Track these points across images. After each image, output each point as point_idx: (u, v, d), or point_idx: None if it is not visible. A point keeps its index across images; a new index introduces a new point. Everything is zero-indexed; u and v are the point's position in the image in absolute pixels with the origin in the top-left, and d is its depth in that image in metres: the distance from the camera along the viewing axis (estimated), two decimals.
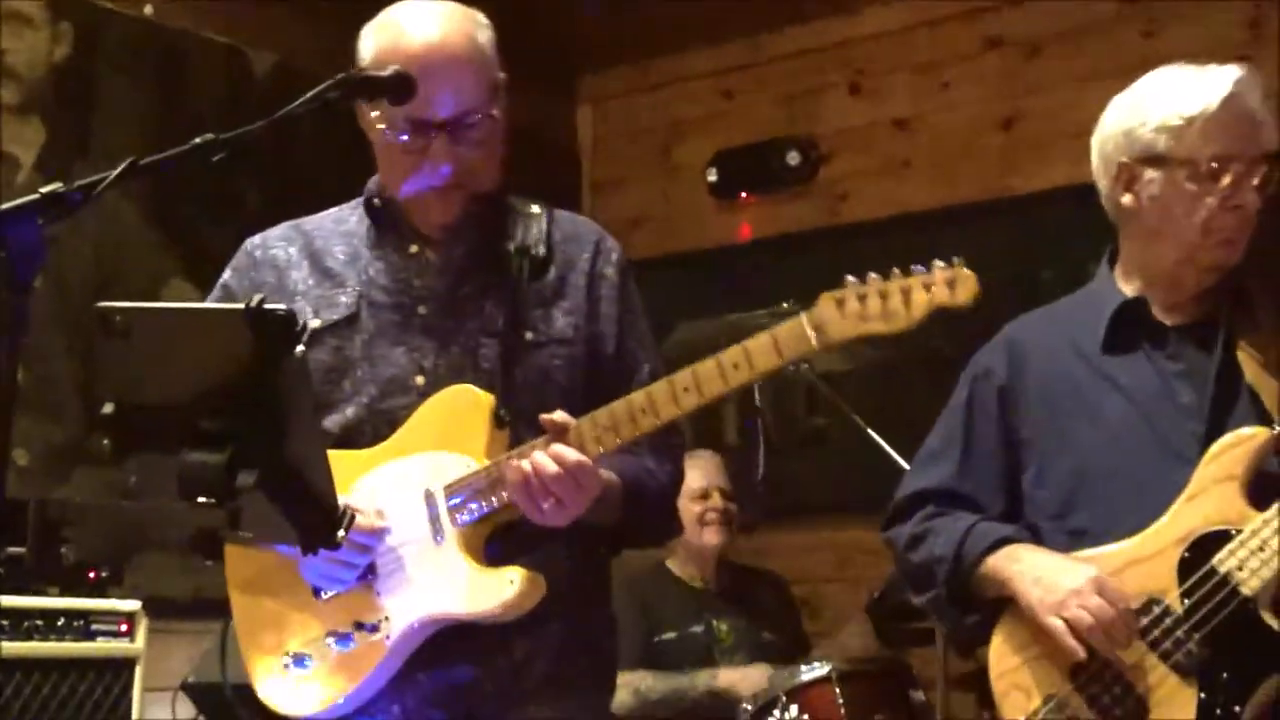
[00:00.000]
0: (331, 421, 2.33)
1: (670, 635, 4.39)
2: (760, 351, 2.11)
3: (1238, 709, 2.25)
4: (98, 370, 1.79)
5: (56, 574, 3.90)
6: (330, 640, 2.28)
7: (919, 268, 2.07)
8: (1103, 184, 2.51)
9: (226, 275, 2.51)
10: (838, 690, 3.58)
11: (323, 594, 2.30)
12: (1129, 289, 2.52)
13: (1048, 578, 2.37)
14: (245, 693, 3.34)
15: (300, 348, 1.71)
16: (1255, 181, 2.39)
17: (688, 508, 4.51)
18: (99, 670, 3.89)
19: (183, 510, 1.72)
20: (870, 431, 3.83)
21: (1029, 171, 5.09)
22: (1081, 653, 2.33)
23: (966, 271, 2.06)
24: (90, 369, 1.81)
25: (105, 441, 1.78)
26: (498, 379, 2.29)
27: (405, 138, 2.31)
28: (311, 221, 2.52)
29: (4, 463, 1.69)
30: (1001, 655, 2.47)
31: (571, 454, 2.14)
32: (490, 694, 2.29)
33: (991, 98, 5.24)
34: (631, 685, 4.25)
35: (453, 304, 2.37)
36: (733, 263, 5.52)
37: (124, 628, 3.94)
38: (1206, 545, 2.31)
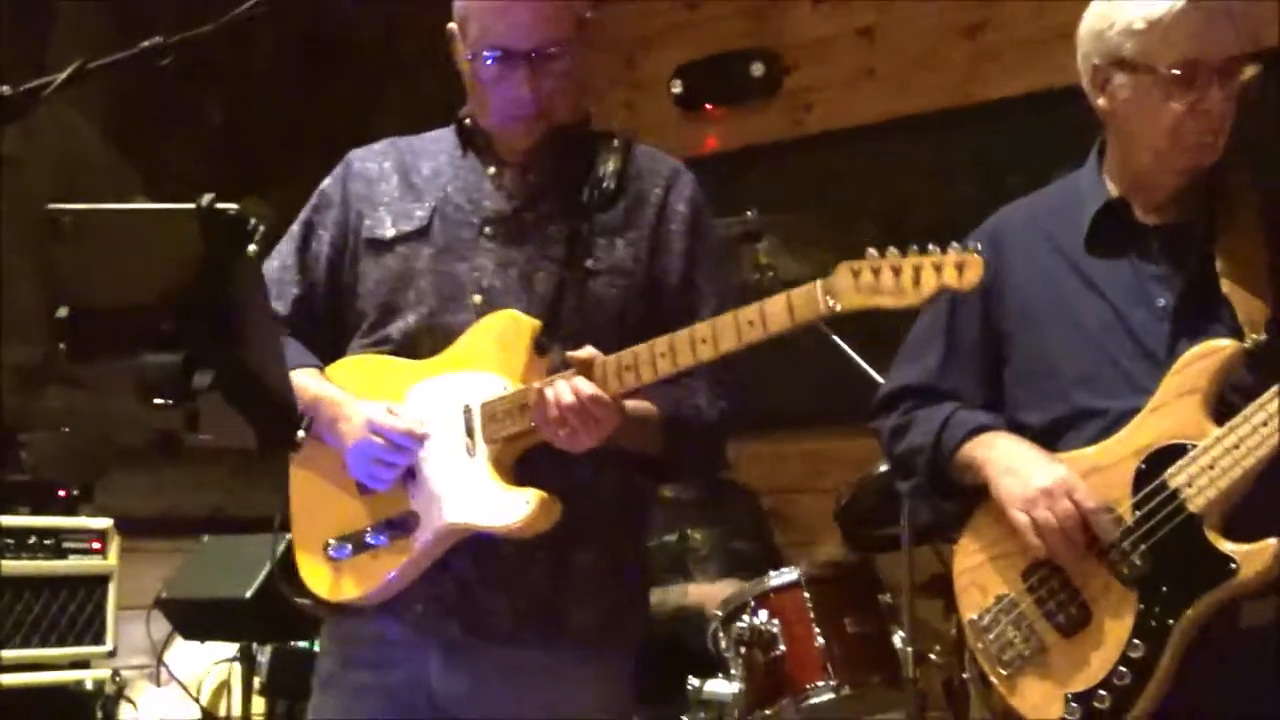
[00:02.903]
0: (394, 327, 2.44)
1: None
2: (775, 312, 2.19)
3: (1172, 622, 2.27)
4: (51, 274, 1.77)
5: (26, 493, 3.92)
6: (367, 534, 2.40)
7: (934, 247, 2.15)
8: (1084, 84, 2.49)
9: (325, 182, 2.61)
10: (807, 595, 3.59)
11: (366, 489, 2.41)
12: (1114, 188, 2.50)
13: (1022, 470, 2.38)
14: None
15: (252, 247, 1.70)
16: (1222, 87, 2.35)
17: None
18: (72, 588, 3.93)
19: (142, 414, 1.72)
20: (837, 339, 3.84)
21: (993, 79, 5.07)
22: (1041, 551, 2.35)
23: (976, 257, 2.13)
24: (43, 272, 1.79)
25: (61, 346, 1.78)
26: (549, 303, 2.38)
27: (490, 67, 2.38)
28: (411, 139, 2.61)
29: None
30: (966, 553, 2.50)
31: (587, 388, 2.23)
32: (505, 613, 2.36)
33: (955, 6, 5.21)
34: None
35: (519, 227, 2.45)
36: (699, 174, 5.48)
37: (96, 545, 3.97)
38: (1162, 458, 2.30)
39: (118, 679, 3.90)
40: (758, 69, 5.49)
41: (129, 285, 1.75)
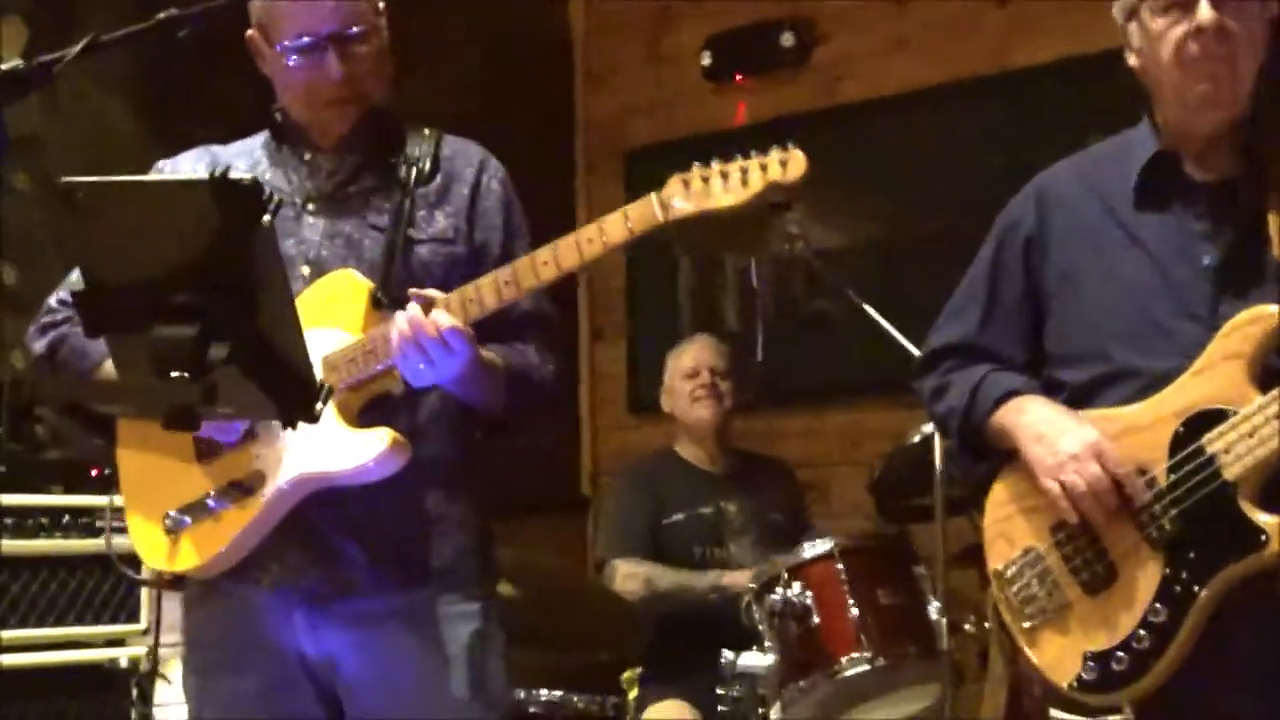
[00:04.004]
0: None
1: (679, 517, 4.45)
2: (613, 226, 2.28)
3: (1196, 589, 2.24)
4: (66, 248, 1.77)
5: (59, 472, 3.92)
6: (209, 500, 2.42)
7: (756, 152, 2.26)
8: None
9: None
10: (840, 566, 3.58)
11: (204, 455, 2.44)
12: (1162, 143, 2.45)
13: (1049, 436, 2.36)
14: None
15: (267, 217, 1.69)
16: (1212, 4, 2.30)
17: (680, 387, 4.63)
18: (105, 566, 3.91)
19: (158, 388, 1.71)
20: (868, 309, 3.80)
21: (1026, 47, 5.00)
22: (1074, 517, 2.34)
23: (798, 153, 2.23)
24: (59, 247, 1.79)
25: (79, 320, 1.78)
26: (378, 268, 2.46)
27: (297, 58, 2.48)
28: (219, 146, 2.70)
29: None
30: (996, 504, 2.49)
31: (445, 318, 2.30)
32: (361, 563, 2.41)
33: None
34: (641, 575, 4.30)
35: (341, 203, 2.56)
36: (729, 147, 5.44)
37: (115, 524, 3.95)
38: (1202, 422, 2.27)
39: (153, 656, 3.89)
40: (788, 39, 5.44)
41: (144, 258, 1.74)
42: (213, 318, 1.71)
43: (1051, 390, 2.48)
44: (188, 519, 2.42)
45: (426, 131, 2.62)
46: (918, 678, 3.61)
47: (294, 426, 1.84)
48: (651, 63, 5.86)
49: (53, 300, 2.59)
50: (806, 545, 3.69)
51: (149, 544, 2.48)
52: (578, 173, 5.90)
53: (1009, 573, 2.43)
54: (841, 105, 5.38)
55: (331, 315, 2.42)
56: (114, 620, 3.92)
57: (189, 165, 2.62)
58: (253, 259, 1.72)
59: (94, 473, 3.96)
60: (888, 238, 4.57)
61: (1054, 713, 2.46)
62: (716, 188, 2.24)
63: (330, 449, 2.36)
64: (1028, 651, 2.42)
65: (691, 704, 4.12)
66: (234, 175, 1.68)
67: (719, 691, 3.72)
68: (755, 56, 5.55)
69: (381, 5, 2.58)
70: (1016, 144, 4.66)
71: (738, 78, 5.59)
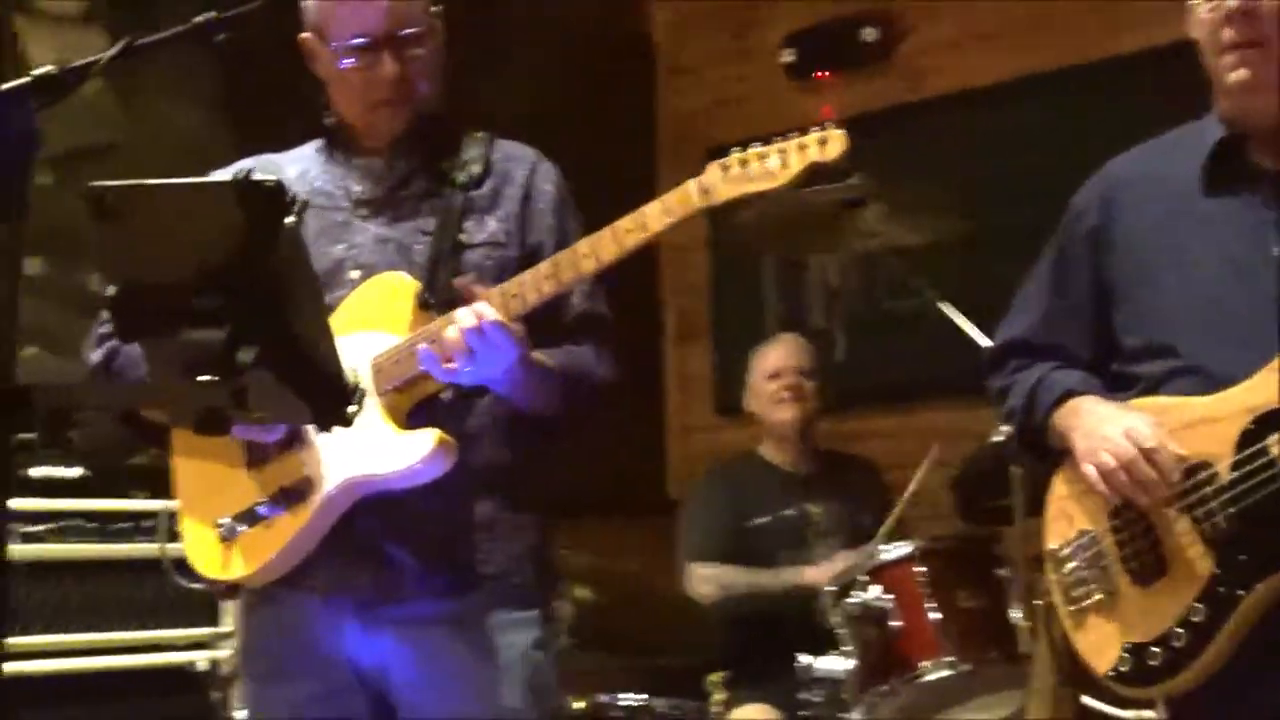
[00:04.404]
0: None
1: (763, 520, 4.39)
2: (652, 215, 2.25)
3: (1241, 593, 2.16)
4: (98, 253, 1.77)
5: (144, 478, 3.96)
6: (260, 507, 2.40)
7: (796, 132, 2.22)
8: None
9: None
10: (919, 569, 3.52)
11: (255, 462, 2.42)
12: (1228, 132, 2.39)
13: (1094, 426, 2.33)
14: None
15: (291, 218, 1.68)
16: None
17: (763, 388, 4.56)
18: (183, 570, 3.94)
19: (189, 392, 1.70)
20: (943, 306, 3.73)
21: (1109, 38, 4.89)
22: (1113, 499, 2.29)
23: (838, 132, 2.21)
24: (95, 252, 1.79)
25: (111, 325, 1.78)
26: (427, 272, 2.44)
27: (351, 59, 2.47)
28: (274, 154, 2.68)
29: (11, 349, 1.69)
30: (1059, 484, 2.45)
31: (490, 313, 2.26)
32: (411, 569, 2.38)
33: None
34: (716, 579, 4.25)
35: (391, 207, 2.53)
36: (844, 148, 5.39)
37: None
38: (1273, 422, 2.18)
39: (235, 659, 3.93)
40: (870, 34, 5.38)
41: (173, 262, 1.72)
42: (241, 321, 1.69)
43: (1123, 385, 2.41)
44: (240, 526, 2.41)
45: (479, 135, 2.60)
46: (1001, 683, 3.53)
47: (328, 430, 1.83)
48: (734, 59, 5.82)
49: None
50: (885, 547, 3.63)
51: (203, 551, 2.47)
52: (659, 170, 5.87)
53: (1063, 552, 2.40)
54: (925, 100, 5.31)
55: (379, 317, 2.41)
56: (196, 624, 3.96)
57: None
58: (279, 261, 1.70)
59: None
60: (973, 233, 4.47)
61: (1086, 699, 2.40)
62: (755, 171, 2.20)
63: (378, 452, 2.33)
64: (1071, 634, 2.38)
65: (776, 707, 4.06)
66: (257, 177, 1.67)
67: (800, 696, 3.67)
68: (837, 52, 5.49)
69: (436, 8, 2.56)
70: (1103, 135, 4.51)
71: (820, 74, 5.52)
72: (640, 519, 5.32)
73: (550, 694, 2.49)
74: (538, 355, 2.38)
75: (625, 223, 2.26)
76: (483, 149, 2.57)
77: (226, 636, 3.97)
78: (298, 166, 2.61)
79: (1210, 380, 2.28)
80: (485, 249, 2.49)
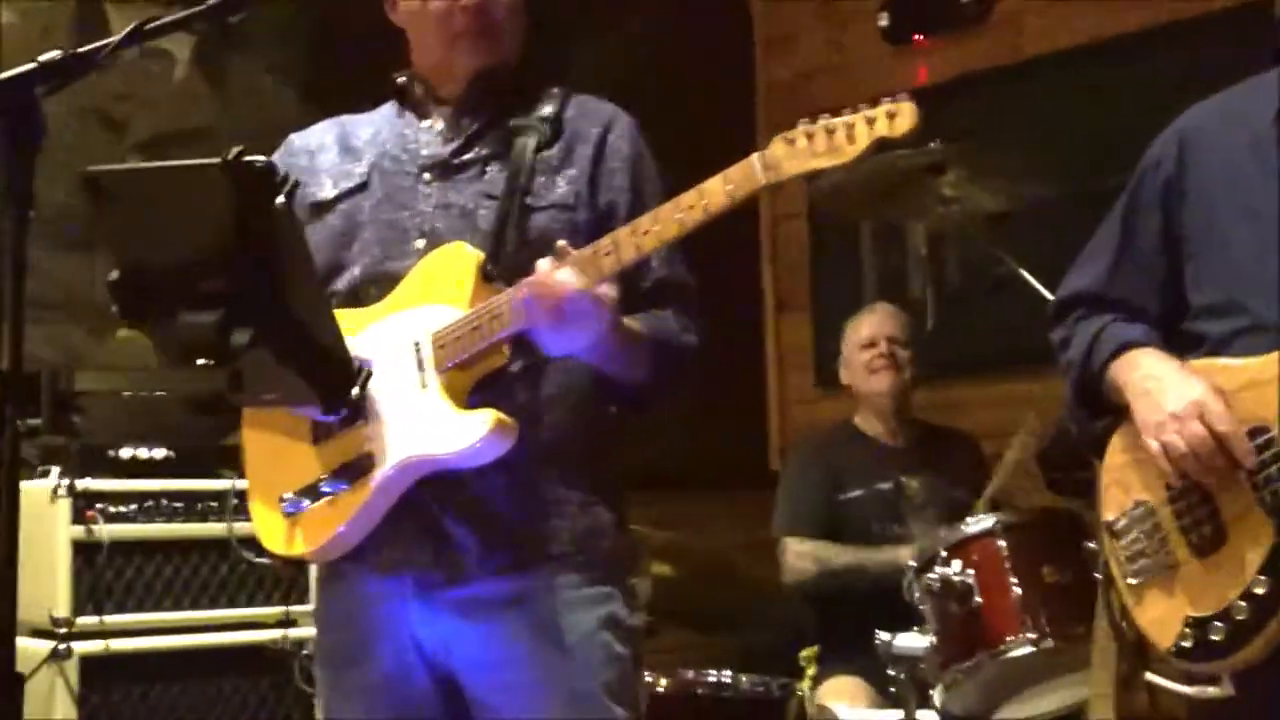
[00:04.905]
0: (341, 282, 2.43)
1: (857, 493, 4.32)
2: (713, 192, 2.15)
3: None
4: (100, 237, 1.77)
5: (232, 457, 4.00)
6: (322, 483, 2.37)
7: (866, 104, 2.11)
8: None
9: None
10: (1002, 543, 3.43)
11: (320, 437, 2.38)
12: None
13: (1154, 392, 2.24)
14: None
15: (281, 199, 1.66)
16: None
17: (857, 358, 4.48)
18: (252, 547, 3.98)
19: (185, 375, 1.70)
20: (1025, 274, 3.62)
21: None
22: (1176, 479, 2.22)
23: (908, 104, 2.08)
24: (96, 236, 1.80)
25: (113, 308, 1.78)
26: (492, 239, 2.36)
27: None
28: (352, 115, 2.64)
29: (20, 335, 1.70)
30: (1114, 452, 2.38)
31: (571, 277, 2.17)
32: (473, 548, 2.32)
33: None
34: (814, 554, 4.19)
35: (458, 169, 2.46)
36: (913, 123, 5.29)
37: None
38: None
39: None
40: None
41: (171, 244, 1.73)
42: (237, 303, 1.68)
43: (1191, 345, 2.32)
44: (304, 502, 2.38)
45: (555, 90, 2.52)
46: (1088, 660, 3.43)
47: (335, 412, 1.82)
48: (831, 26, 5.73)
49: None
50: (969, 520, 3.55)
51: (268, 527, 2.46)
52: (759, 141, 5.78)
53: (1119, 525, 2.33)
54: (1025, 60, 5.16)
55: (440, 290, 2.34)
56: (285, 601, 3.99)
57: (318, 136, 2.60)
58: (273, 241, 1.69)
59: None
60: (1074, 194, 4.35)
61: (1150, 676, 2.31)
62: (821, 145, 2.09)
63: (435, 431, 2.28)
64: (1131, 609, 2.31)
65: (866, 682, 4.00)
66: (247, 157, 1.66)
67: (890, 672, 3.61)
68: (934, 14, 5.37)
69: None
70: (1205, 92, 4.39)
71: (917, 37, 5.41)
72: (741, 492, 5.27)
73: (622, 674, 2.40)
74: (627, 321, 2.31)
75: (688, 198, 2.17)
76: (556, 105, 2.49)
77: (311, 614, 4.01)
78: (371, 128, 2.57)
79: (1271, 343, 2.18)
80: (553, 212, 2.41)
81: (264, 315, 1.70)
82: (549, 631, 2.33)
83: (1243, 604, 2.12)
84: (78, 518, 3.68)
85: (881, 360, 4.42)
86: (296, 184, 1.70)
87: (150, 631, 3.75)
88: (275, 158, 2.56)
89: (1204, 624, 2.17)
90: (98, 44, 1.90)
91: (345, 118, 2.63)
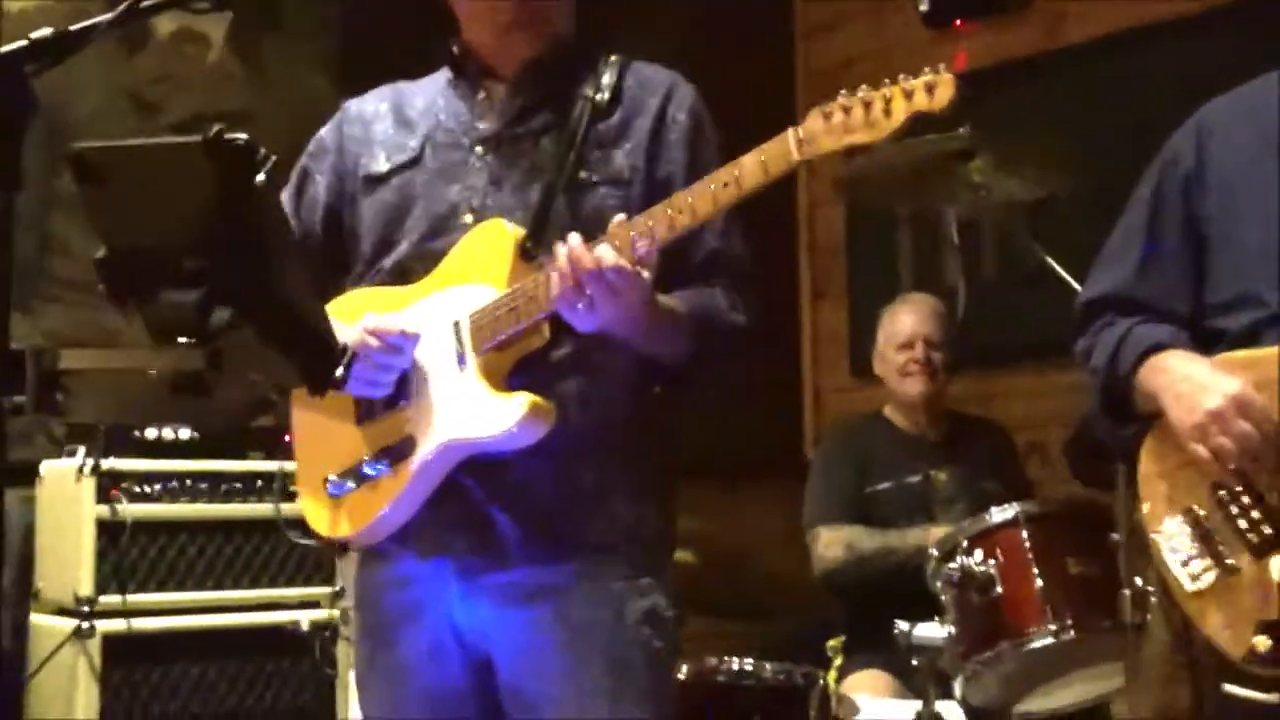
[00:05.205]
0: (388, 259, 2.41)
1: (885, 485, 4.26)
2: (748, 167, 2.10)
3: None
4: (86, 216, 1.76)
5: (260, 439, 4.03)
6: (364, 466, 2.35)
7: (904, 76, 2.06)
8: None
9: (322, 130, 2.60)
10: (1024, 533, 3.38)
11: (363, 418, 2.37)
12: None
13: (1190, 394, 2.19)
14: None
15: (260, 177, 1.65)
16: None
17: (892, 357, 4.39)
18: (304, 528, 4.00)
19: (165, 354, 1.69)
20: (1053, 263, 3.57)
21: None
22: (1234, 481, 2.16)
23: (946, 75, 2.04)
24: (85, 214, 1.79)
25: (101, 287, 1.77)
26: (540, 215, 2.31)
27: None
28: (409, 82, 2.59)
29: (5, 312, 1.70)
30: (1151, 458, 2.32)
31: (610, 254, 2.12)
32: (513, 534, 2.28)
33: None
34: (844, 540, 4.14)
35: (511, 143, 2.41)
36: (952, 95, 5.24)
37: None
38: None
39: (346, 619, 3.98)
40: None
41: (155, 223, 1.71)
42: (218, 282, 1.67)
43: (1211, 342, 2.28)
44: (349, 484, 2.37)
45: (613, 59, 2.45)
46: (1113, 652, 3.38)
47: (320, 392, 1.81)
48: (872, 11, 5.67)
49: None
50: (993, 510, 3.50)
51: (314, 509, 2.45)
52: None
53: (1169, 535, 2.26)
54: (1067, 46, 5.09)
55: (480, 269, 2.30)
56: (308, 583, 4.01)
57: (373, 103, 2.55)
58: (255, 219, 1.68)
59: (286, 438, 4.05)
60: (1113, 183, 4.28)
61: (1227, 687, 2.23)
62: (857, 119, 2.04)
63: (473, 415, 2.25)
64: (1195, 621, 2.24)
65: (892, 674, 3.97)
66: (227, 135, 1.64)
67: (914, 662, 3.57)
68: (975, 0, 5.30)
69: None
70: (1246, 79, 4.32)
71: (957, 22, 5.34)
72: (777, 481, 5.24)
73: (657, 669, 2.35)
74: (664, 300, 2.26)
75: (722, 176, 2.12)
76: (615, 75, 2.42)
77: (339, 595, 4.02)
78: (426, 97, 2.51)
79: None
80: (607, 188, 2.35)
81: (245, 294, 1.68)
82: (587, 623, 2.28)
83: None
84: (102, 497, 3.71)
85: (916, 365, 4.34)
86: (277, 161, 1.69)
87: (173, 611, 3.79)
88: (331, 123, 2.58)
89: (1278, 627, 2.12)
90: (88, 22, 1.89)
91: (402, 84, 2.58)
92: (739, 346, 2.39)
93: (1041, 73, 5.07)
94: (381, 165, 2.46)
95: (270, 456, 4.00)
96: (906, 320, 4.41)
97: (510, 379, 2.28)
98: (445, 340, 2.31)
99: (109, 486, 3.72)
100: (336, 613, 4.00)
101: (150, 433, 3.80)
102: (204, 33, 4.50)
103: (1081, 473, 3.75)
